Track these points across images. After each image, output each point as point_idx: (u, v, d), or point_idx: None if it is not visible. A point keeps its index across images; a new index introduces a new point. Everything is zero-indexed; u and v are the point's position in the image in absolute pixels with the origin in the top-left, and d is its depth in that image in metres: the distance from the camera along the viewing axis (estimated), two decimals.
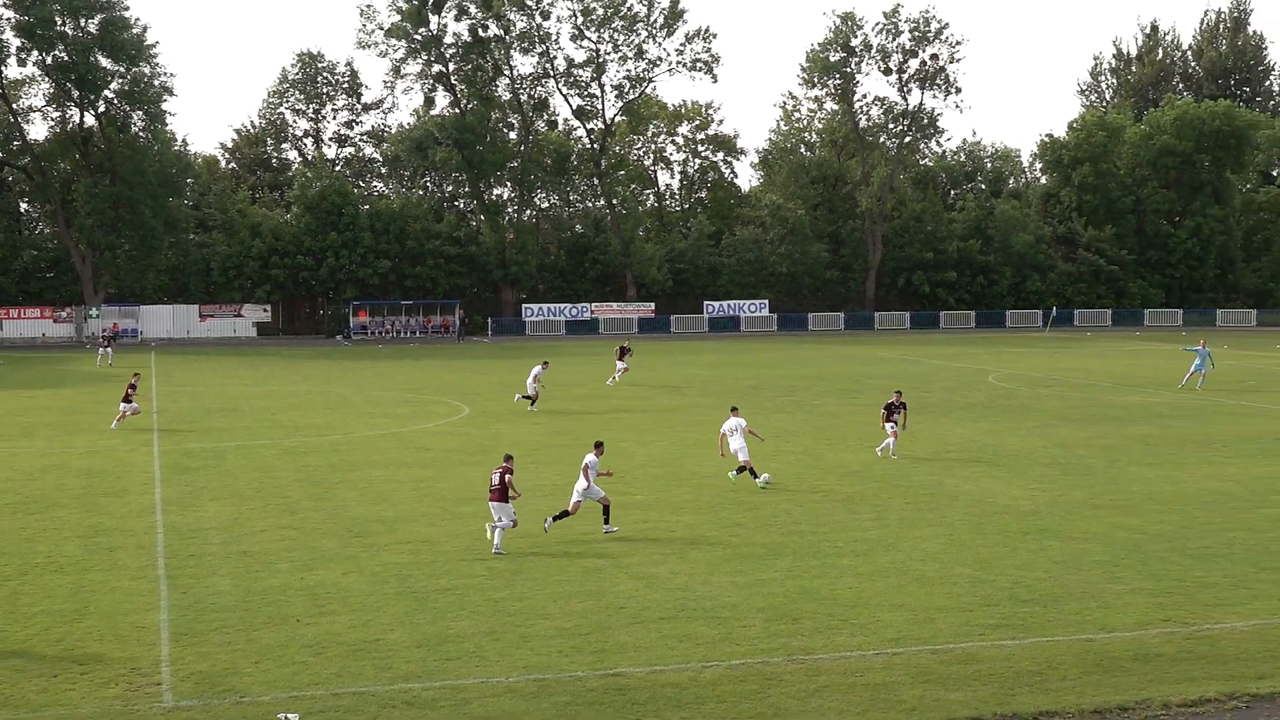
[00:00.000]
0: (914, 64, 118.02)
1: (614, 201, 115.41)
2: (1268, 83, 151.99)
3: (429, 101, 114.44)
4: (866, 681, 17.66)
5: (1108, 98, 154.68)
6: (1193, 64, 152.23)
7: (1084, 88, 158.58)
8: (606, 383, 58.99)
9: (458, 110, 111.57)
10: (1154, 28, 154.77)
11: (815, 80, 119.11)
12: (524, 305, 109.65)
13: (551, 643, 19.38)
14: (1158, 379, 62.50)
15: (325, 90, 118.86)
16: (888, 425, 37.15)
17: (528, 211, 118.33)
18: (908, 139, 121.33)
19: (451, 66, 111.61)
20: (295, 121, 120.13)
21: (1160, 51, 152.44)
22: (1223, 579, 22.88)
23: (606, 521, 26.86)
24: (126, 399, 45.03)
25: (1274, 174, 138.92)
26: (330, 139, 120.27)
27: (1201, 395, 54.24)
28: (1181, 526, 27.29)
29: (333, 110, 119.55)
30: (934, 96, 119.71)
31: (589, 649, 19.07)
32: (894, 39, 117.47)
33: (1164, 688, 17.37)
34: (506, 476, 25.06)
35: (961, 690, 17.29)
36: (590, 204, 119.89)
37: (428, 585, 22.67)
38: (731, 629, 20.03)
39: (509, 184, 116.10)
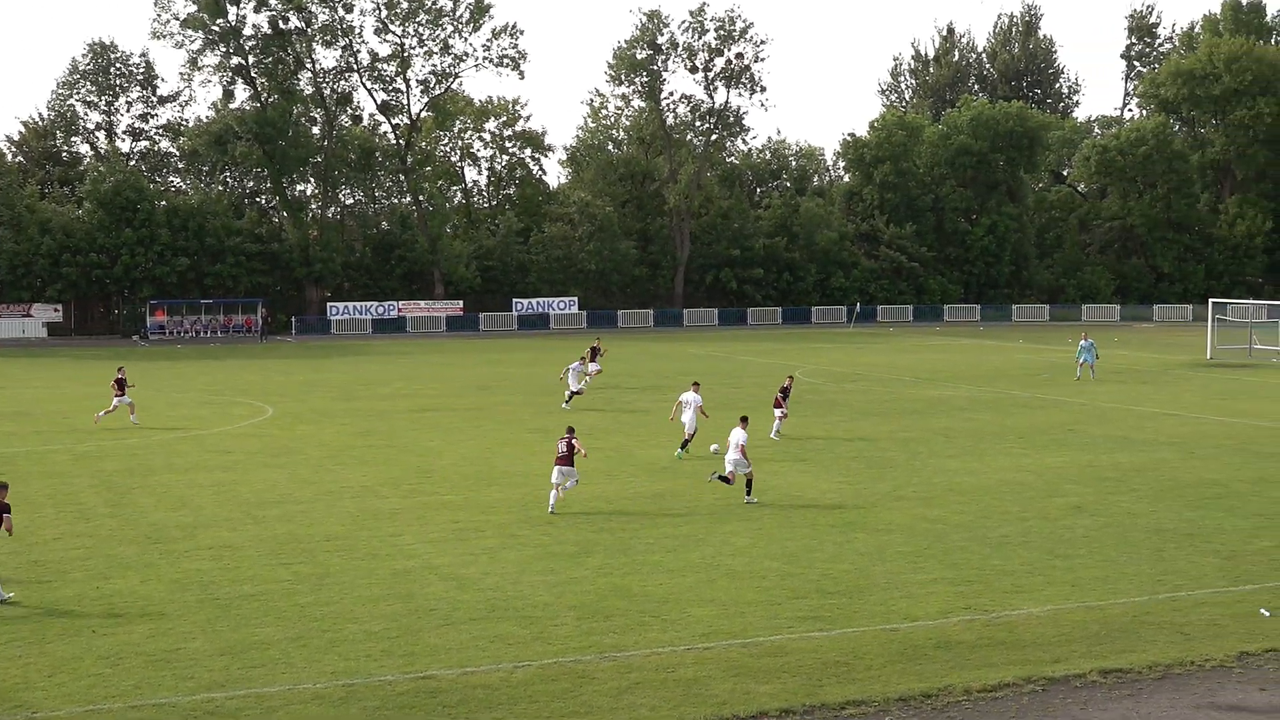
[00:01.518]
0: (720, 62, 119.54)
1: (421, 198, 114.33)
2: (1057, 85, 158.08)
3: (228, 95, 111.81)
4: (678, 677, 17.81)
5: (907, 98, 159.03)
6: (987, 66, 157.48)
7: (884, 88, 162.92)
8: (578, 386, 56.18)
9: (258, 104, 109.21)
10: (950, 30, 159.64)
11: (622, 77, 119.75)
12: (329, 304, 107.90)
13: (360, 647, 19.11)
14: (957, 373, 64.48)
15: (118, 82, 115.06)
16: (777, 411, 40.32)
17: (332, 208, 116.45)
18: (714, 137, 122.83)
19: (251, 59, 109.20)
20: (87, 114, 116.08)
21: (956, 54, 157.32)
22: (1020, 566, 23.69)
23: (749, 493, 29.95)
24: None
25: (1064, 174, 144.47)
26: (124, 132, 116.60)
27: (999, 389, 56.10)
28: (981, 516, 28.18)
29: (127, 102, 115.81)
30: (739, 95, 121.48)
31: (399, 652, 18.86)
32: (700, 37, 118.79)
33: (965, 674, 17.90)
34: (574, 443, 29.02)
35: (771, 683, 17.57)
36: (396, 200, 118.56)
37: (230, 592, 22.15)
38: (543, 628, 20.01)
39: (312, 180, 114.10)
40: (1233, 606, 21.07)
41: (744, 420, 31.18)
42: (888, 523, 27.55)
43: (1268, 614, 20.56)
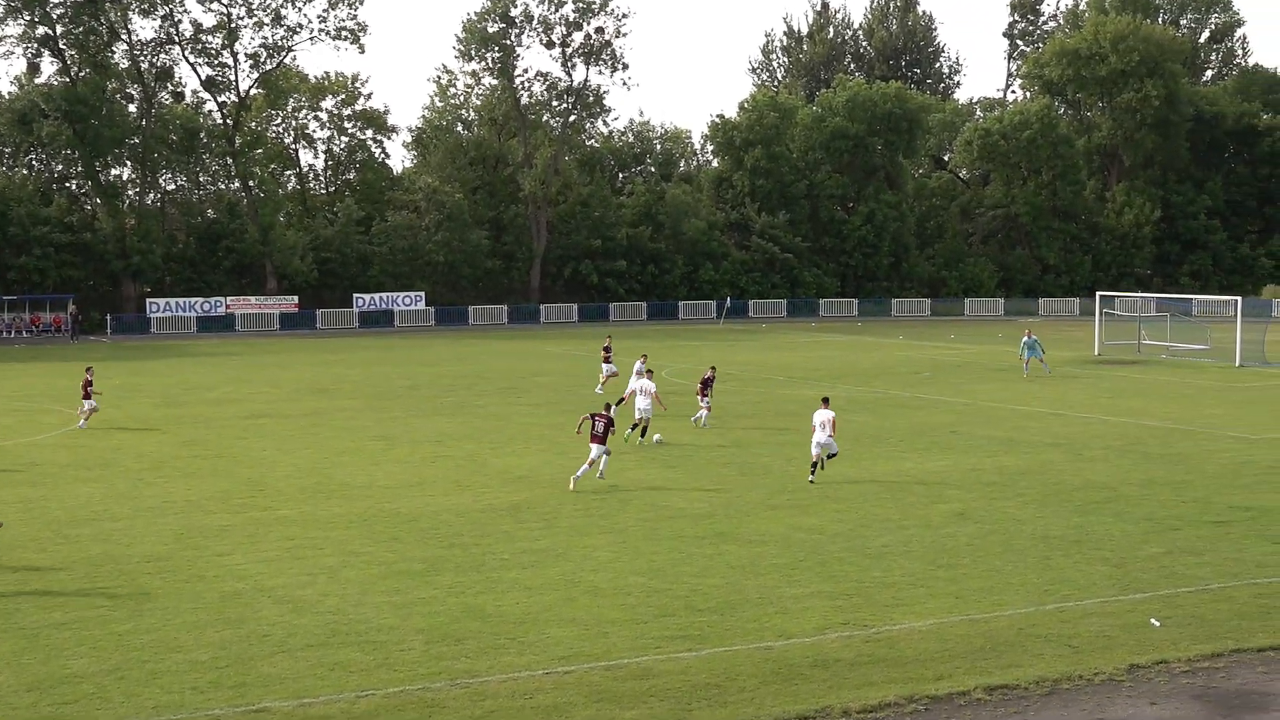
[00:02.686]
0: (578, 37, 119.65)
1: (251, 184, 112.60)
2: (938, 65, 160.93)
3: (33, 68, 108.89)
4: (537, 704, 17.79)
5: (779, 77, 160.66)
6: (864, 44, 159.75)
7: (755, 66, 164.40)
8: (596, 390, 54.57)
9: (68, 79, 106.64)
10: (825, 5, 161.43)
11: (472, 53, 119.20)
12: (148, 300, 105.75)
13: (185, 678, 18.76)
14: (834, 372, 65.33)
15: None
16: (702, 400, 43.02)
17: (151, 194, 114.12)
18: (573, 118, 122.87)
19: (59, 29, 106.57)
20: None
21: (831, 30, 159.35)
22: (901, 578, 24.08)
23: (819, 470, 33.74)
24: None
25: (945, 159, 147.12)
26: None
27: (877, 389, 56.95)
28: (859, 525, 28.58)
29: None
30: (600, 73, 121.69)
31: (228, 683, 18.56)
32: (556, 10, 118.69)
33: (843, 694, 18.13)
34: (610, 425, 33.11)
35: (637, 708, 17.62)
36: (224, 186, 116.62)
37: (38, 620, 21.61)
38: (389, 654, 19.85)
39: (129, 163, 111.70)
40: (1122, 617, 21.64)
41: (826, 400, 36.04)
42: (761, 533, 27.80)
43: (1158, 624, 21.15)
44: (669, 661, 19.46)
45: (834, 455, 34.64)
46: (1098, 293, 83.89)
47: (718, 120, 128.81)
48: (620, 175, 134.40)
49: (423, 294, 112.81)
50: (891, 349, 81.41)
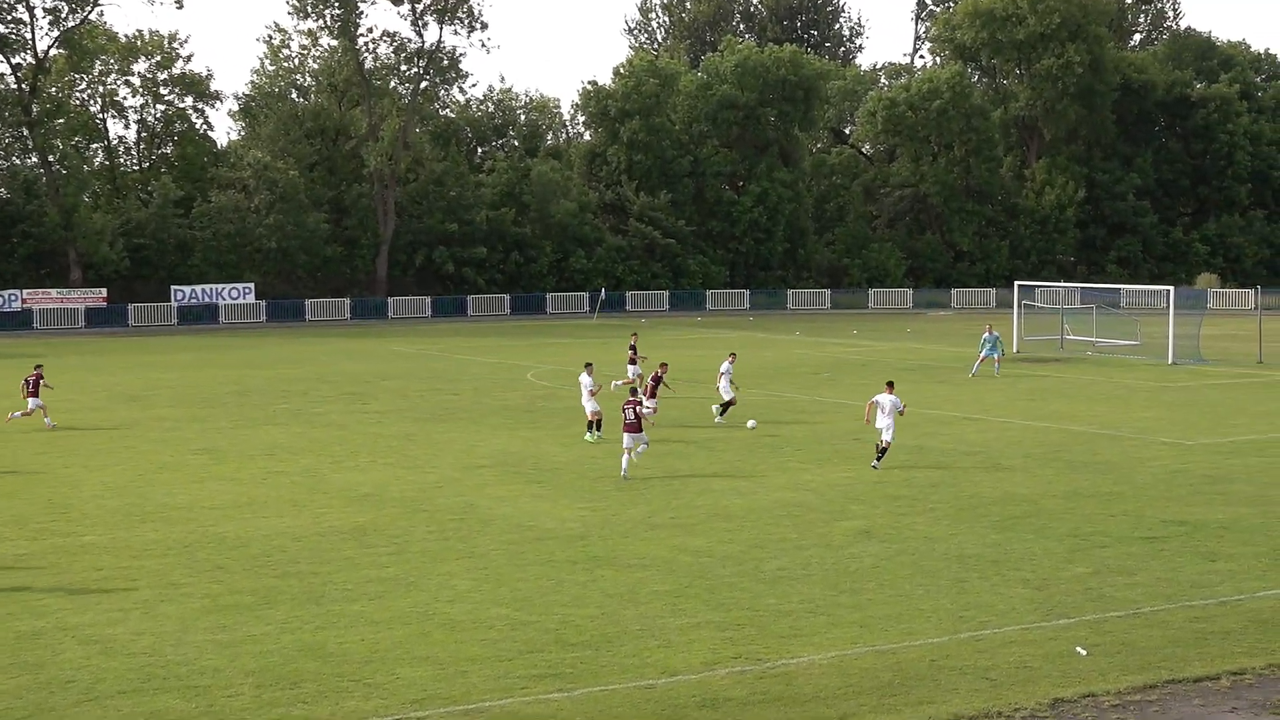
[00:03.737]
0: None
1: (51, 159, 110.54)
2: (837, 26, 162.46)
3: None
4: None
5: (660, 39, 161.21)
6: (755, 2, 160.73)
7: (632, 26, 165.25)
8: (612, 386, 54.48)
9: None
10: None
11: (308, 9, 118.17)
12: None
13: None
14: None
15: None
16: (649, 402, 43.58)
17: None
18: (424, 84, 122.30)
19: None
20: None
21: None
22: (799, 605, 24.24)
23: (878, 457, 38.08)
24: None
25: (846, 132, 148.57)
26: None
27: (772, 392, 57.32)
28: (753, 546, 28.72)
29: None
30: (455, 33, 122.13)
31: None
32: None
33: None
34: (638, 409, 37.40)
35: None
36: (18, 161, 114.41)
37: None
38: (213, 700, 19.60)
39: None
40: (1045, 645, 21.96)
41: (890, 385, 39.29)
42: (641, 556, 27.84)
43: (1084, 653, 21.47)
44: (537, 704, 19.41)
45: (889, 442, 38.47)
46: (1016, 282, 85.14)
47: (590, 88, 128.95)
48: (479, 150, 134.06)
49: (252, 286, 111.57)
50: (787, 346, 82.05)
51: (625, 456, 37.21)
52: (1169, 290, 77.59)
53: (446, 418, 49.24)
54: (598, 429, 44.04)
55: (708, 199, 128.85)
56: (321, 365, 71.08)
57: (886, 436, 38.31)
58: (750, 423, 46.38)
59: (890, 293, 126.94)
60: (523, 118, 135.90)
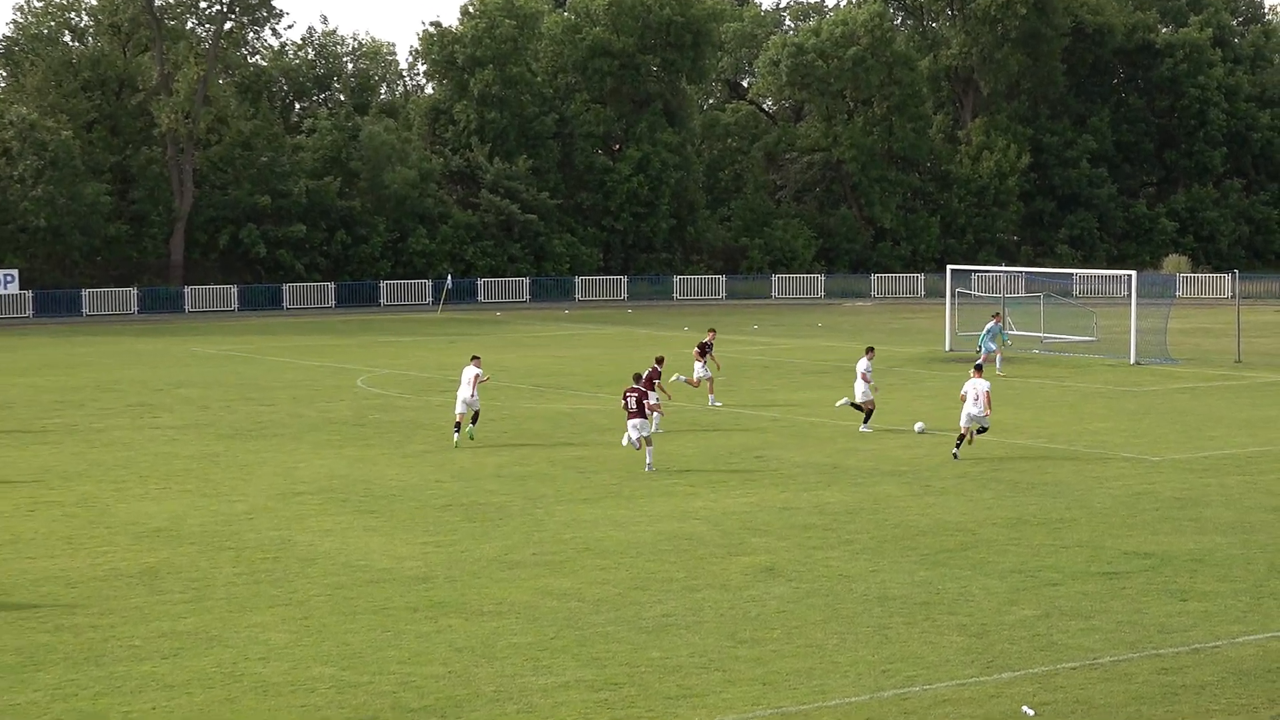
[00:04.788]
0: None
1: None
2: None
3: None
4: None
5: None
6: None
7: None
8: (678, 379, 56.35)
9: None
10: None
11: None
12: None
13: None
14: (595, 377, 65.66)
15: None
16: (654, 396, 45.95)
17: None
18: (228, 25, 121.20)
19: None
20: None
21: None
22: (689, 659, 24.27)
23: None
24: None
25: (745, 84, 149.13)
26: None
27: (620, 396, 57.47)
28: (632, 587, 28.72)
29: None
30: None
31: None
32: None
33: None
34: (644, 400, 42.46)
35: None
36: None
37: None
38: None
39: None
40: (985, 704, 22.13)
41: (979, 368, 44.93)
42: (497, 601, 27.76)
43: (1032, 713, 21.63)
44: None
45: (984, 430, 43.52)
46: (949, 267, 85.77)
47: (432, 31, 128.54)
48: (297, 106, 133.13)
49: (15, 273, 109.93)
50: (674, 344, 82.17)
51: (647, 450, 41.71)
52: (1130, 276, 78.40)
53: (258, 434, 48.82)
54: (471, 422, 46.73)
55: (577, 166, 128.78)
56: (102, 370, 70.27)
57: (973, 420, 43.40)
58: (918, 425, 48.96)
59: (798, 279, 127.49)
60: (350, 67, 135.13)
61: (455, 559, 31.23)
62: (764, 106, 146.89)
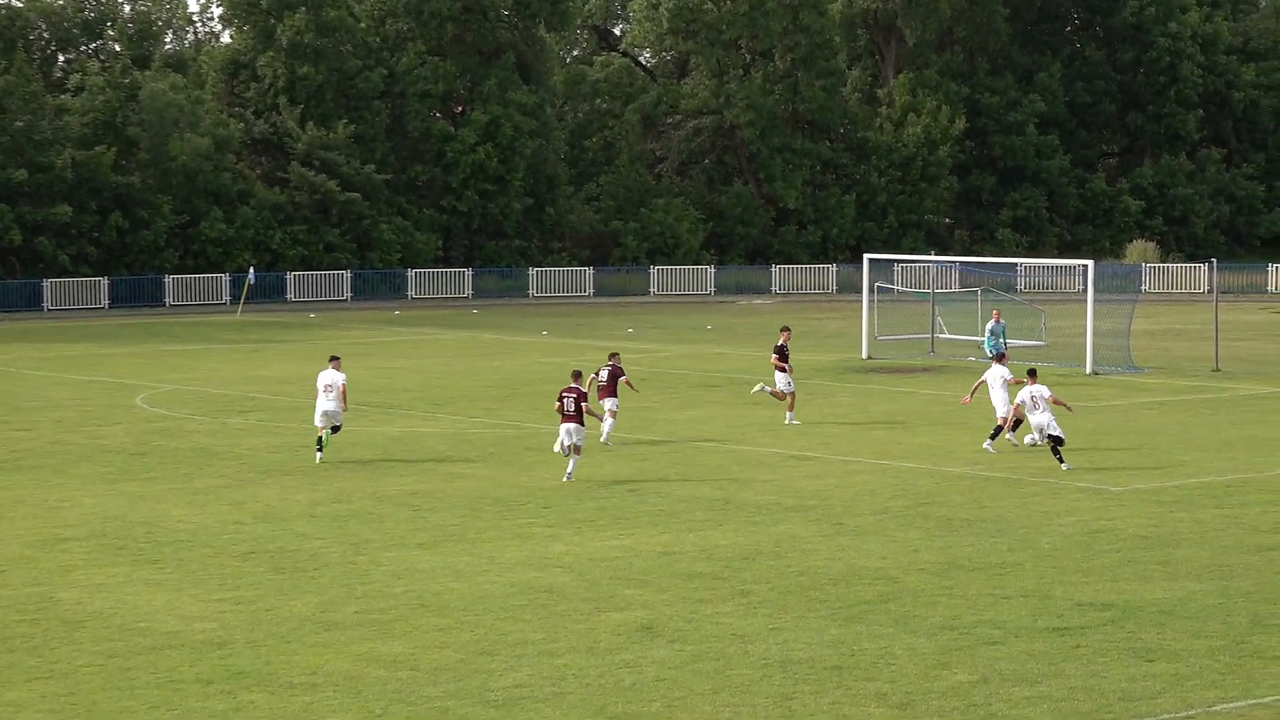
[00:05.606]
0: None
1: None
2: None
3: None
4: None
5: None
6: None
7: None
8: (761, 389, 57.17)
9: None
10: None
11: None
12: None
13: None
14: (431, 393, 65.57)
15: None
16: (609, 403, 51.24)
17: None
18: None
19: None
20: None
21: None
22: None
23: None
24: None
25: (617, 32, 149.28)
26: None
27: (506, 420, 57.43)
28: (478, 652, 28.69)
29: None
30: None
31: None
32: None
33: None
34: (583, 403, 45.14)
35: None
36: None
37: None
38: None
39: None
40: None
41: (1032, 373, 48.18)
42: (311, 671, 27.66)
43: None
44: None
45: (1060, 441, 46.76)
46: (866, 256, 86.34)
47: None
48: (61, 59, 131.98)
49: None
50: (530, 352, 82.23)
51: (570, 461, 44.98)
52: (1086, 266, 79.01)
53: (12, 466, 48.42)
54: (318, 446, 48.68)
55: (410, 133, 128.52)
56: None
57: (1041, 431, 47.34)
58: (1028, 440, 50.17)
59: (682, 272, 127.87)
60: (127, 10, 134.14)
61: (259, 619, 31.08)
62: (641, 59, 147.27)
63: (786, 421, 55.68)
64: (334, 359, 50.12)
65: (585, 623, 30.61)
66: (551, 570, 34.82)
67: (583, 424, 45.31)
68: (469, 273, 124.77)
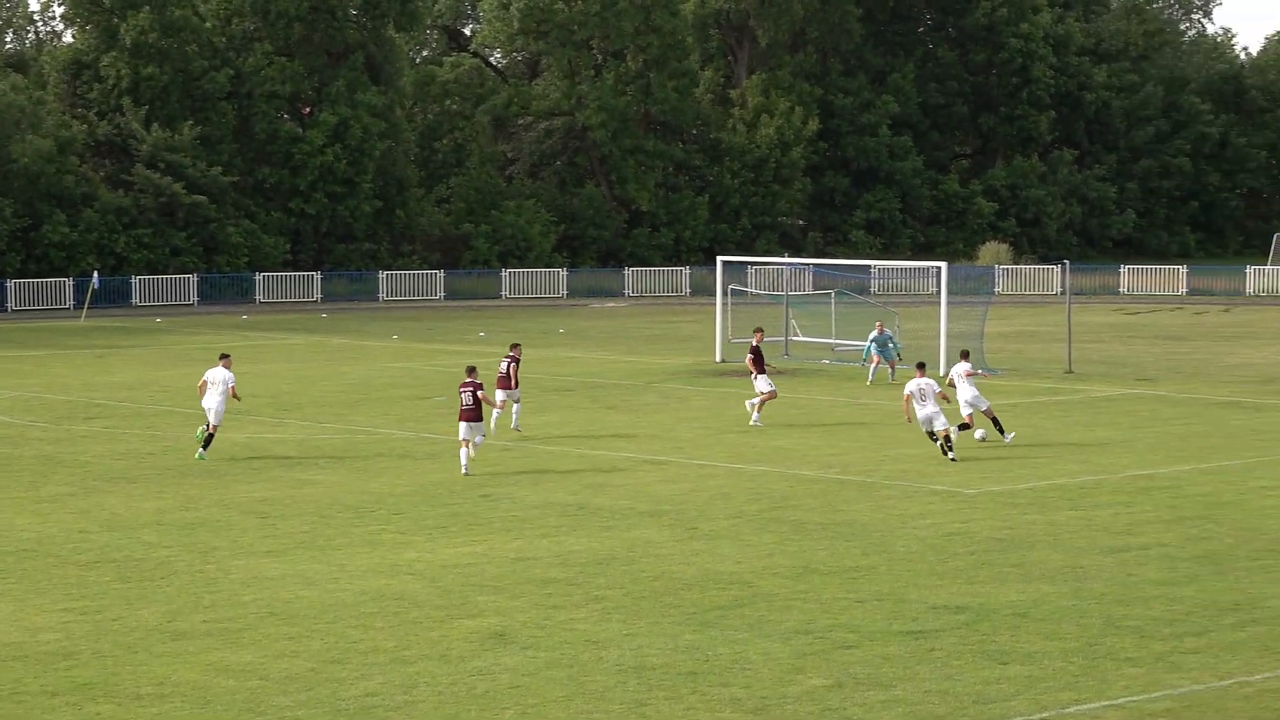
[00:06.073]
0: None
1: None
2: None
3: None
4: None
5: None
6: None
7: None
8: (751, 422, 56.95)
9: None
10: None
11: None
12: None
13: None
14: (280, 399, 65.31)
15: None
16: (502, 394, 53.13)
17: None
18: None
19: None
20: None
21: None
22: None
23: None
24: None
25: (467, 32, 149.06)
26: None
27: (355, 426, 57.27)
28: (329, 660, 28.59)
29: None
30: None
31: None
32: None
33: None
34: (479, 393, 46.40)
35: None
36: None
37: None
38: None
39: None
40: None
41: (921, 366, 50.71)
42: (159, 681, 27.49)
43: None
44: None
45: (937, 433, 48.79)
46: (719, 258, 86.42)
47: None
48: None
49: None
50: (380, 357, 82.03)
51: (464, 450, 46.33)
52: (940, 268, 79.53)
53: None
54: (202, 444, 50.03)
55: (257, 135, 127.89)
56: None
57: (939, 424, 48.68)
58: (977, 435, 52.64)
59: (534, 275, 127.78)
60: None
61: (105, 629, 30.86)
62: (491, 60, 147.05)
63: (751, 423, 56.12)
64: (224, 357, 51.59)
65: (437, 630, 30.57)
66: (403, 577, 34.75)
67: (481, 419, 47.15)
68: (318, 276, 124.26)
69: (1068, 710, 25.66)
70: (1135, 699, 25.86)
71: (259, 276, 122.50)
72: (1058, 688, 26.77)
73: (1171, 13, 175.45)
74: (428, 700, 26.41)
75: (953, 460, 47.97)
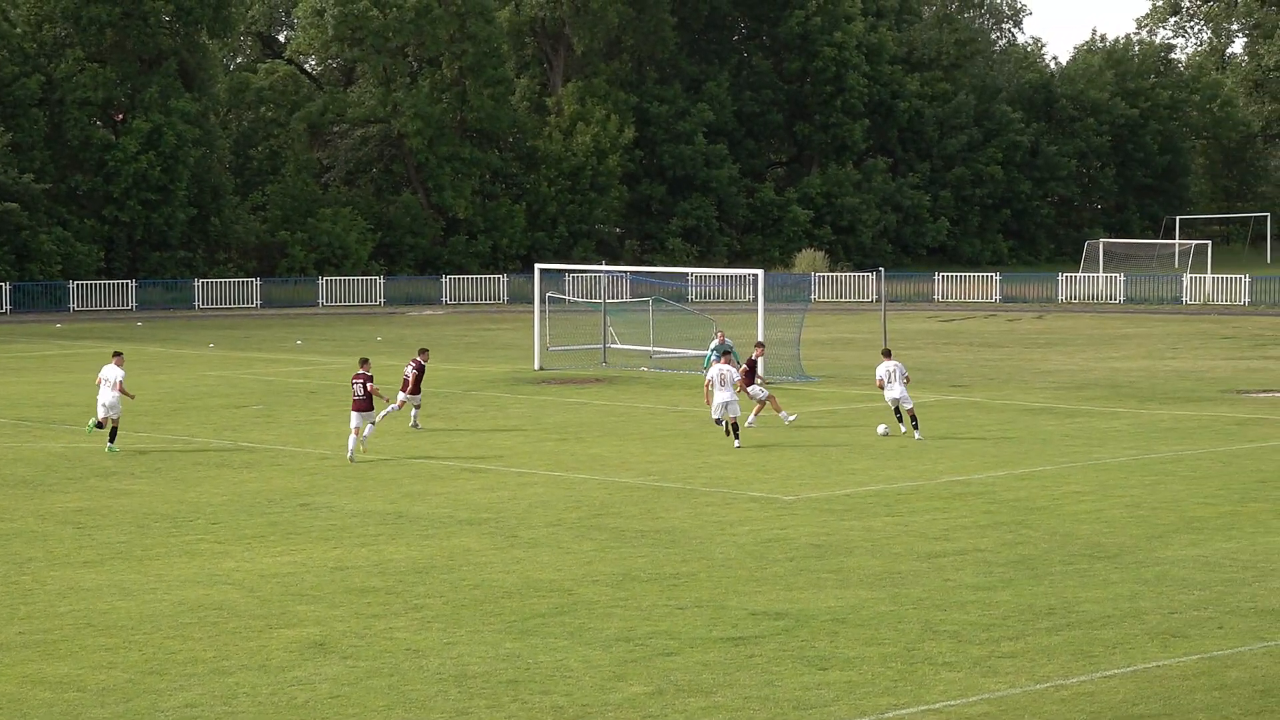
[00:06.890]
0: None
1: None
2: None
3: None
4: None
5: None
6: None
7: None
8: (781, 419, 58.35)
9: None
10: None
11: None
12: None
13: None
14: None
15: None
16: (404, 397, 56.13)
17: None
18: None
19: None
20: None
21: None
22: None
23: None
24: None
25: (282, 39, 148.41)
26: None
27: (173, 435, 56.85)
28: (147, 672, 28.38)
29: None
30: None
31: None
32: None
33: None
34: (369, 385, 49.16)
35: None
36: None
37: None
38: None
39: None
40: None
41: (727, 354, 55.18)
42: None
43: None
44: None
45: (732, 422, 52.78)
46: (537, 266, 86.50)
47: None
48: None
49: None
50: (196, 365, 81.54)
51: (352, 437, 49.46)
52: (756, 275, 79.72)
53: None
54: (110, 439, 52.48)
55: (70, 141, 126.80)
56: None
57: (727, 408, 52.10)
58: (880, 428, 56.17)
59: (351, 282, 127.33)
60: None
61: None
62: (306, 67, 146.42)
63: (746, 424, 56.12)
64: (117, 354, 54.27)
65: (256, 640, 30.41)
66: (221, 587, 34.54)
67: (371, 408, 50.30)
68: (133, 284, 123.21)
69: (887, 715, 25.81)
70: (953, 703, 26.05)
71: (73, 285, 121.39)
72: (877, 693, 26.94)
73: (982, 22, 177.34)
74: (248, 711, 26.27)
75: (738, 448, 51.96)
